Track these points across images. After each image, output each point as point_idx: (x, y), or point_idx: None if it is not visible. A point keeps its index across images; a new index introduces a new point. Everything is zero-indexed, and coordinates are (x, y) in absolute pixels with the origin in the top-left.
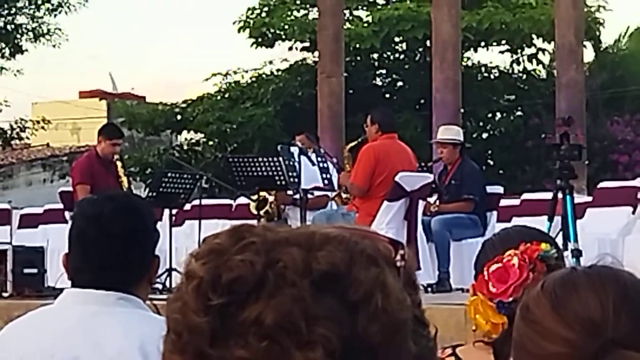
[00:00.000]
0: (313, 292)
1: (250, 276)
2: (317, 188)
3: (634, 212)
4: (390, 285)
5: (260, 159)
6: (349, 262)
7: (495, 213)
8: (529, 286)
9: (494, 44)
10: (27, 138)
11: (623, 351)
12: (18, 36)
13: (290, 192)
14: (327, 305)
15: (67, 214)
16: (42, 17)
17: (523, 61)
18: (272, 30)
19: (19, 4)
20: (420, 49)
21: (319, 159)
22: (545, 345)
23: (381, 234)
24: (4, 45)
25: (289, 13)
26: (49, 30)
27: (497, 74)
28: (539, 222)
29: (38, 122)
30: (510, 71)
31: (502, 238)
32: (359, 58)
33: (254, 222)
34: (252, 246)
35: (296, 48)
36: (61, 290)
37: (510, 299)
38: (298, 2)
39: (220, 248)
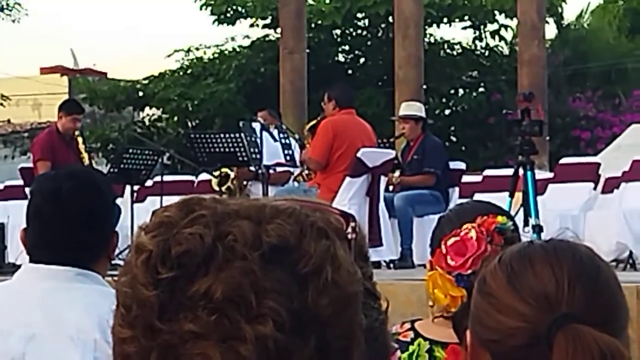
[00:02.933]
0: (263, 265)
1: (200, 249)
2: (279, 164)
3: (595, 188)
4: (340, 257)
5: (222, 135)
6: (299, 235)
7: (457, 189)
8: (487, 259)
9: (457, 20)
10: None
11: (577, 325)
12: None
13: (252, 168)
14: (277, 278)
15: (28, 191)
16: None
17: (485, 37)
18: (234, 8)
19: None
20: (383, 25)
21: (281, 135)
22: (500, 319)
23: (332, 206)
24: None
25: None
26: (8, 4)
27: (459, 51)
28: (501, 198)
29: None
30: (472, 47)
31: (459, 212)
32: (321, 34)
33: (222, 197)
34: (202, 219)
35: (257, 25)
36: (21, 267)
37: (469, 271)
38: None
39: (170, 221)
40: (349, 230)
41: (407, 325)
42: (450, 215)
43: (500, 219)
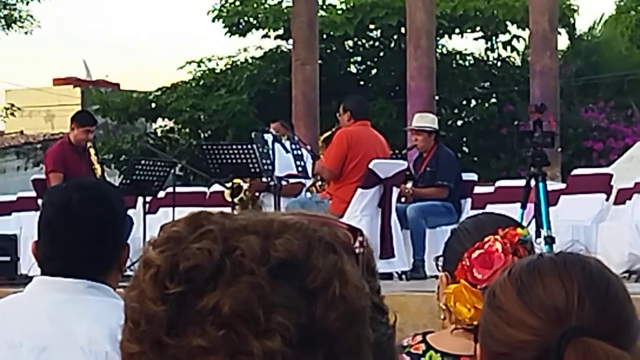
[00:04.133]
0: (271, 280)
1: (208, 264)
2: (291, 175)
3: (607, 199)
4: (348, 272)
5: (234, 147)
6: (307, 250)
7: (469, 200)
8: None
9: (469, 30)
10: None
11: (586, 339)
12: None
13: (264, 180)
14: (284, 293)
15: (40, 202)
16: (14, 5)
17: (497, 48)
18: (245, 19)
19: None
20: (395, 36)
21: (293, 146)
22: (510, 332)
23: (340, 220)
24: None
25: (263, 1)
26: (20, 17)
27: (471, 61)
28: (513, 210)
29: (7, 108)
30: (484, 58)
31: (477, 225)
32: (333, 45)
33: (228, 209)
34: (210, 234)
35: (269, 36)
36: (33, 278)
37: None
38: None
39: (178, 236)
40: (357, 244)
41: (419, 338)
42: (469, 228)
43: (520, 231)
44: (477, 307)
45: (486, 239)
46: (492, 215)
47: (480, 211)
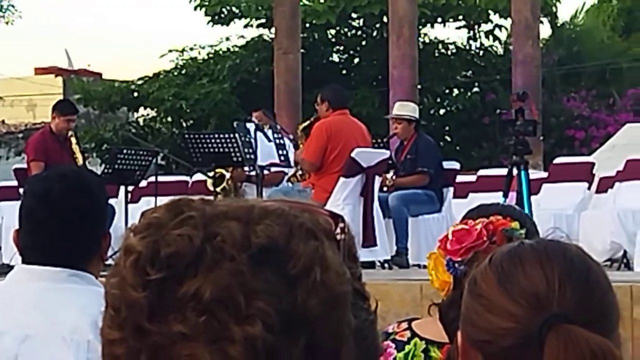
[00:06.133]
0: (252, 266)
1: (189, 251)
2: (273, 164)
3: (589, 188)
4: (329, 258)
5: (216, 136)
6: (288, 236)
7: (451, 189)
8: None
9: (451, 20)
10: None
11: (567, 326)
12: None
13: (246, 169)
14: (265, 279)
15: (22, 191)
16: None
17: (480, 37)
18: (228, 8)
19: None
20: (377, 25)
21: (275, 135)
22: (491, 319)
23: (321, 206)
24: None
25: None
26: (1, 6)
27: (454, 50)
28: (495, 198)
29: None
30: (467, 47)
31: (482, 208)
32: (315, 34)
33: (210, 198)
34: (191, 220)
35: (252, 25)
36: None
37: (459, 259)
38: None
39: (159, 222)
40: (338, 230)
41: (404, 325)
42: (474, 209)
43: (513, 224)
44: (440, 278)
45: (477, 220)
46: (505, 205)
47: (465, 200)
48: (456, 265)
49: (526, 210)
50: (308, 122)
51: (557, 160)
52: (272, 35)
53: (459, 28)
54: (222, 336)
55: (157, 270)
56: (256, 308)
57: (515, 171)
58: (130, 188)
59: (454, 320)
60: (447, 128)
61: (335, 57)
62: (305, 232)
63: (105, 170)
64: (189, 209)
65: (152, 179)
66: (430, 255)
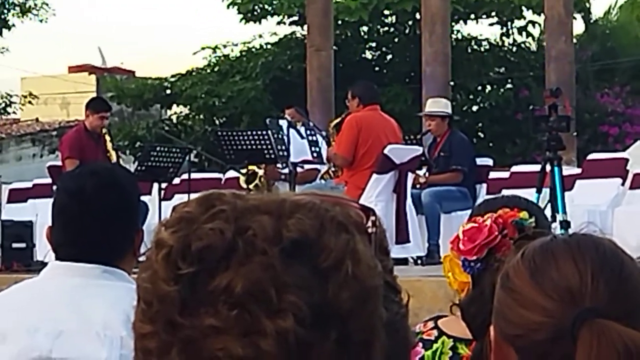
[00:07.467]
0: (283, 260)
1: (220, 244)
2: (306, 161)
3: (623, 184)
4: (360, 251)
5: (249, 133)
6: (319, 229)
7: (484, 185)
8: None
9: (484, 16)
10: (14, 113)
11: (600, 320)
12: (5, 12)
13: (279, 166)
14: (297, 272)
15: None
16: None
17: (513, 33)
18: (260, 6)
19: None
20: (410, 22)
21: (308, 132)
22: (523, 314)
23: (352, 199)
24: None
25: None
26: (35, 5)
27: (487, 47)
28: (528, 194)
29: (25, 96)
30: (500, 44)
31: (488, 203)
32: (348, 31)
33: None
34: (222, 214)
35: (284, 22)
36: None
37: (474, 257)
38: None
39: (190, 216)
40: (369, 224)
41: (430, 324)
42: (481, 205)
43: (522, 214)
44: (458, 279)
45: (486, 216)
46: (509, 197)
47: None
48: (472, 264)
49: (560, 207)
50: (339, 118)
51: (591, 156)
52: (305, 33)
53: (491, 24)
54: (253, 330)
55: (188, 264)
56: (288, 302)
57: (548, 167)
58: (163, 185)
59: (475, 316)
60: (480, 125)
61: (368, 54)
62: (336, 225)
63: (139, 168)
64: (220, 203)
65: (185, 176)
66: (445, 258)
